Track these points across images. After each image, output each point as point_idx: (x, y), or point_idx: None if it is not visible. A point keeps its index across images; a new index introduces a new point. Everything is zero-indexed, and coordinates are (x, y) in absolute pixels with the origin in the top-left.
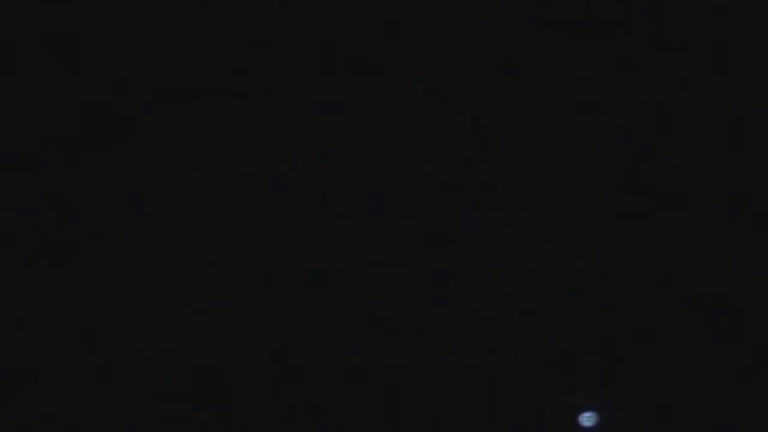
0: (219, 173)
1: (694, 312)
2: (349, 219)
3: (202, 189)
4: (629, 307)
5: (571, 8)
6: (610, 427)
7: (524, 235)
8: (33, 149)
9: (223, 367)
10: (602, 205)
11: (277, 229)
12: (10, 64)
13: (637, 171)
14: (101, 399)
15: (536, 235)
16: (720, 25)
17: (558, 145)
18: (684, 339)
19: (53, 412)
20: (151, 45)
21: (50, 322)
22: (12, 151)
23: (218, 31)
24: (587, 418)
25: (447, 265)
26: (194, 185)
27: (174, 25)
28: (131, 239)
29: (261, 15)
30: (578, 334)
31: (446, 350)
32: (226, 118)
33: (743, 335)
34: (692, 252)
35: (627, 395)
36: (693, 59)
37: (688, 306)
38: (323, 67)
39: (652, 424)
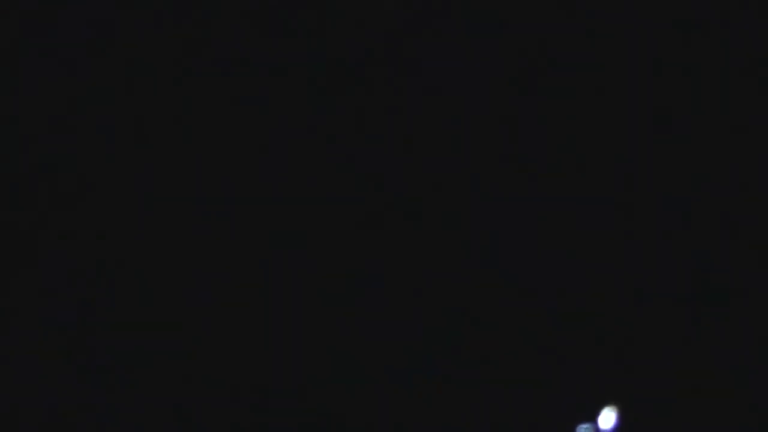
0: (219, 173)
1: (693, 318)
2: (349, 220)
3: (202, 189)
4: (628, 313)
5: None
6: None
7: (525, 236)
8: (32, 149)
9: (220, 369)
10: (603, 205)
11: (279, 230)
12: (10, 64)
13: (638, 172)
14: (96, 398)
15: (538, 235)
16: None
17: (559, 145)
18: (683, 346)
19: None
20: (152, 44)
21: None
22: (12, 151)
23: (218, 30)
24: (585, 429)
25: (447, 266)
26: (194, 185)
27: (174, 25)
28: (128, 239)
29: (261, 15)
30: (577, 342)
31: (444, 357)
32: (226, 119)
33: (744, 340)
34: (693, 253)
35: (625, 405)
36: (693, 59)
37: (688, 313)
38: (325, 68)
39: None
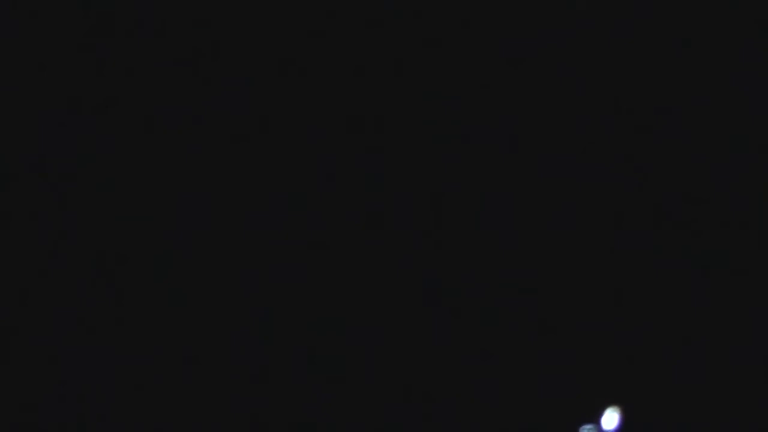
0: (219, 173)
1: (693, 320)
2: (349, 221)
3: (203, 189)
4: (631, 314)
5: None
6: None
7: (526, 236)
8: (33, 148)
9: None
10: (602, 205)
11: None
12: (10, 63)
13: (637, 172)
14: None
15: (537, 236)
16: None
17: (558, 146)
18: (685, 347)
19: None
20: (152, 44)
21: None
22: (13, 151)
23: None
24: (588, 430)
25: (447, 266)
26: (194, 185)
27: (173, 25)
28: (130, 238)
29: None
30: (580, 343)
31: (446, 358)
32: (224, 120)
33: (744, 339)
34: (693, 252)
35: (628, 406)
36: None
37: (689, 314)
38: (326, 69)
39: None
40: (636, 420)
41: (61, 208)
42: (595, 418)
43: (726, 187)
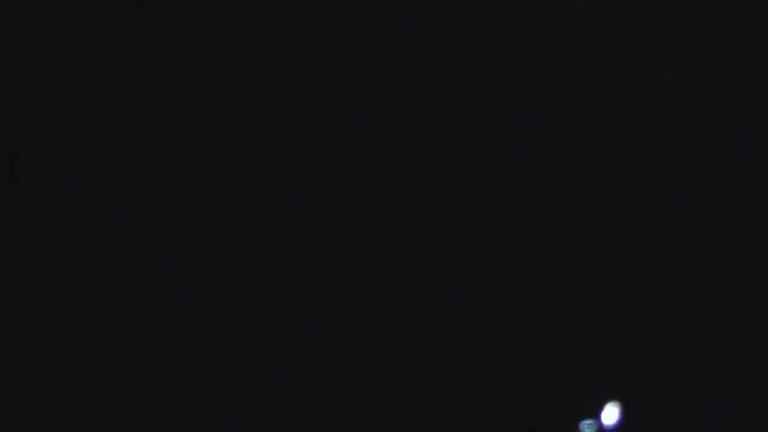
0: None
1: (694, 315)
2: (347, 220)
3: (199, 188)
4: (629, 309)
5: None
6: None
7: (525, 233)
8: (32, 148)
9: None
10: (602, 204)
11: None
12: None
13: (636, 171)
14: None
15: (536, 235)
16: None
17: (557, 145)
18: (686, 342)
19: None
20: (149, 44)
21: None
22: (10, 150)
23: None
24: (588, 426)
25: (445, 264)
26: (191, 184)
27: (173, 25)
28: (128, 238)
29: (261, 14)
30: (579, 337)
31: (445, 354)
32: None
33: (743, 337)
34: (694, 250)
35: (628, 401)
36: (693, 59)
37: (689, 309)
38: (323, 68)
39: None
40: (636, 415)
41: (61, 208)
42: (596, 413)
43: (726, 187)
